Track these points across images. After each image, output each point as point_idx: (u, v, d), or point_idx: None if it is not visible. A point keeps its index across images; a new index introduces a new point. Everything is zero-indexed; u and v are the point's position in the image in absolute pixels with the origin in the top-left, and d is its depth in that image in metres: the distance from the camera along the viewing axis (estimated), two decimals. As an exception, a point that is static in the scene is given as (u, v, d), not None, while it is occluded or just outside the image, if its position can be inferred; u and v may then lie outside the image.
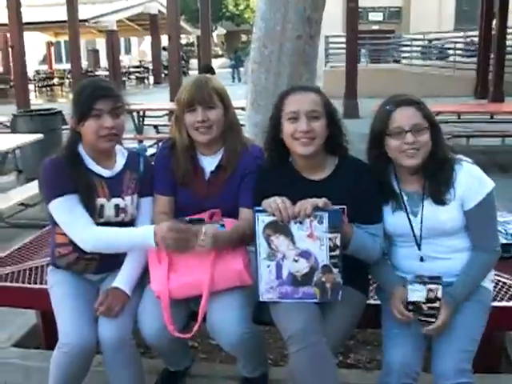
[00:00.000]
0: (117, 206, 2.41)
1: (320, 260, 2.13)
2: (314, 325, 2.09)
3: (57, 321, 2.34)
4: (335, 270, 2.13)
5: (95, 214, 2.36)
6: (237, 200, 2.43)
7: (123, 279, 2.38)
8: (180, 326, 2.30)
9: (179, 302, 2.30)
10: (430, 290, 2.12)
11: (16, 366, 2.95)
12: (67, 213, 2.33)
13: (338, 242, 2.10)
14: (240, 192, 2.43)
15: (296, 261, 2.14)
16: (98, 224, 2.35)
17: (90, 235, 2.32)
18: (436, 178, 2.20)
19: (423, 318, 2.15)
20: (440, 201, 2.20)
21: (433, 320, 2.13)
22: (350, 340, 3.01)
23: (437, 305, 2.12)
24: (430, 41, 19.39)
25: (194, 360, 2.78)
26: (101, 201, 2.38)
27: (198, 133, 2.40)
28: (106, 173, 2.43)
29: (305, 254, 2.13)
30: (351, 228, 2.18)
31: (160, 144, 2.67)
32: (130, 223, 2.46)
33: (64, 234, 2.39)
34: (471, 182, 2.18)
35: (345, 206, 2.18)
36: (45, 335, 3.07)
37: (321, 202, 2.07)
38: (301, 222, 2.09)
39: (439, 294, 2.12)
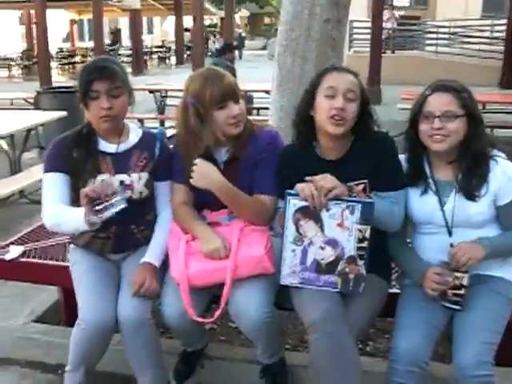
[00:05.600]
0: (122, 182, 2.41)
1: (347, 250, 2.11)
2: (335, 313, 2.08)
3: (77, 298, 2.36)
4: (360, 262, 2.12)
5: None
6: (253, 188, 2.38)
7: (153, 254, 2.41)
8: (201, 310, 2.30)
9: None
10: (456, 277, 2.11)
11: (36, 341, 2.99)
12: (46, 188, 2.42)
13: (367, 235, 2.08)
14: (254, 179, 2.38)
15: (322, 248, 2.13)
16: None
17: (49, 211, 2.38)
18: (470, 173, 2.18)
19: (447, 305, 2.15)
20: (471, 196, 2.17)
21: (457, 307, 2.13)
22: (369, 328, 2.98)
23: (462, 292, 2.11)
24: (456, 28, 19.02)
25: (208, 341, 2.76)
26: (103, 176, 2.39)
27: (233, 127, 2.33)
28: (112, 148, 2.45)
29: (332, 243, 2.12)
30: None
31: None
32: (141, 201, 2.45)
33: None
34: (506, 179, 2.17)
35: (366, 181, 2.17)
36: (66, 312, 3.10)
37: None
38: (327, 210, 2.08)
39: (465, 282, 2.11)
